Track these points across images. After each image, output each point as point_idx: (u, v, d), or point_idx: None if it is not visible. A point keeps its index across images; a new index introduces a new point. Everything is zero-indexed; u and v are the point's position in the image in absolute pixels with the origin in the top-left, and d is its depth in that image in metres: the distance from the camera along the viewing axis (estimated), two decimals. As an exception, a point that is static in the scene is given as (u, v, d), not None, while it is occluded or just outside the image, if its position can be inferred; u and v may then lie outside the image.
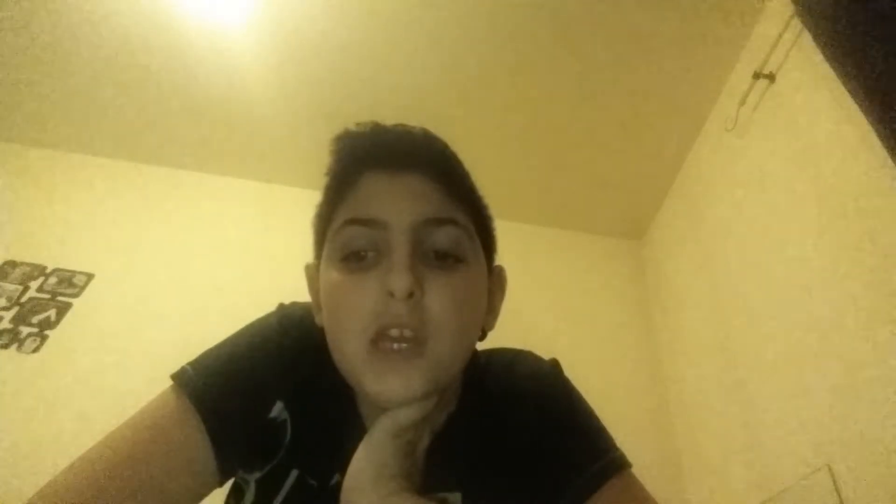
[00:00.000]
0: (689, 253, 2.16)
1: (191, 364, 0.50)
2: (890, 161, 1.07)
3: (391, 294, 0.42)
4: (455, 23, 1.84)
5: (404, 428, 0.43)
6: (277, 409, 0.50)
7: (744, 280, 1.75)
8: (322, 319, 0.49)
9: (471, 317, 0.47)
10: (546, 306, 2.29)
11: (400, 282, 0.42)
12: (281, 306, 0.56)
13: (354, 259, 0.46)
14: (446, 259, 0.46)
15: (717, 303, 1.90)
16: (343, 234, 0.46)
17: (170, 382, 0.49)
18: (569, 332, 2.21)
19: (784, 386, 1.48)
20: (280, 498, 0.48)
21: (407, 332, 0.43)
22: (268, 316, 0.55)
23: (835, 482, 1.23)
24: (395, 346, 0.43)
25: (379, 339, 0.43)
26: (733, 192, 1.87)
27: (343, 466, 0.45)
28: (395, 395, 0.42)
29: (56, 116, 2.23)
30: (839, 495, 1.21)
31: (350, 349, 0.44)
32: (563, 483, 0.50)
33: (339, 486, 0.46)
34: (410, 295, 0.42)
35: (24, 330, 1.87)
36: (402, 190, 0.47)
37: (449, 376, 0.46)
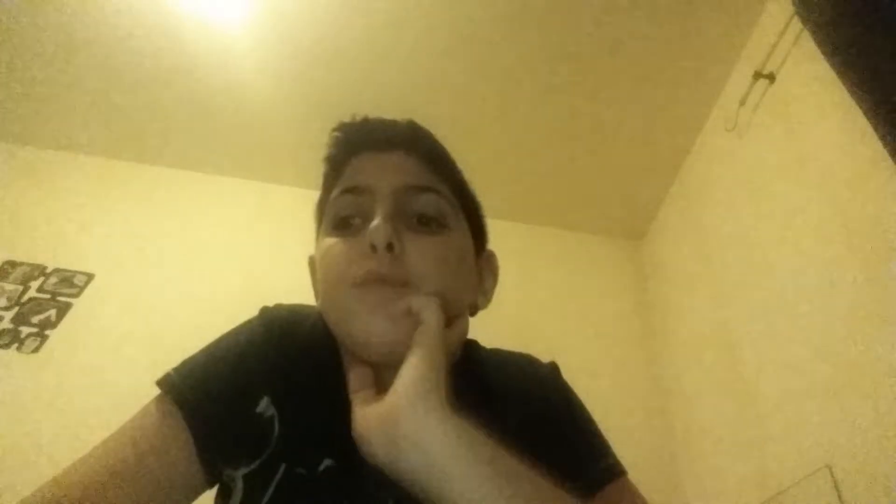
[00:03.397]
0: (689, 253, 2.16)
1: (174, 369, 0.50)
2: (890, 161, 1.07)
3: (373, 247, 0.45)
4: (453, 23, 1.84)
5: (440, 327, 0.43)
6: (264, 405, 0.49)
7: (744, 280, 1.75)
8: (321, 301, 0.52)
9: (455, 277, 0.49)
10: (546, 306, 2.29)
11: (377, 232, 0.45)
12: (264, 309, 0.56)
13: (343, 225, 0.50)
14: (429, 224, 0.50)
15: (717, 303, 1.90)
16: (334, 205, 0.51)
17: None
18: (568, 332, 2.21)
19: (784, 386, 1.48)
20: (269, 493, 0.47)
21: (390, 282, 0.45)
22: (251, 319, 0.55)
23: (835, 482, 1.23)
24: (381, 286, 0.45)
25: (364, 284, 0.45)
26: (733, 192, 1.87)
27: (333, 451, 0.47)
28: (382, 337, 0.44)
29: (56, 116, 2.23)
30: (839, 495, 1.21)
31: (340, 297, 0.47)
32: (560, 483, 0.50)
33: (328, 470, 0.47)
34: (390, 247, 0.45)
35: (24, 330, 1.87)
36: (387, 164, 0.51)
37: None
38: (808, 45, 1.39)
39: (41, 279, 1.99)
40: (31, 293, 1.96)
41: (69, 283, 2.00)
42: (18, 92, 2.14)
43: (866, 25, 1.05)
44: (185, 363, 0.51)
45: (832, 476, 1.24)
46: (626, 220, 2.52)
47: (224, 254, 2.19)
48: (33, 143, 2.32)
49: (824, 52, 1.19)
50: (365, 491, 0.48)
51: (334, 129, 0.54)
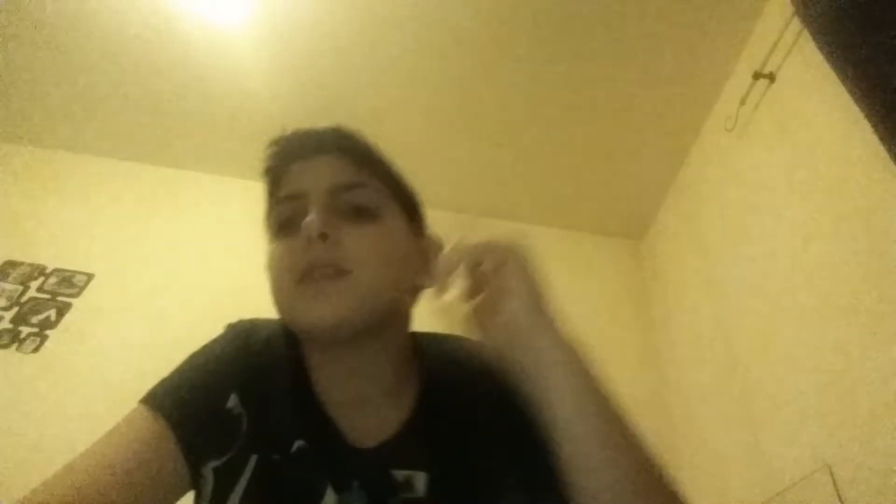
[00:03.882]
0: (688, 252, 2.16)
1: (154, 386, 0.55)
2: (890, 161, 1.07)
3: (308, 238, 0.49)
4: (453, 23, 1.84)
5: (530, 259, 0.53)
6: (233, 402, 0.53)
7: (743, 279, 1.75)
8: None
9: (391, 260, 0.53)
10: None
11: (311, 223, 0.49)
12: (229, 323, 0.60)
13: (284, 229, 0.53)
14: (363, 213, 0.53)
15: (717, 302, 1.90)
16: (274, 213, 0.55)
17: None
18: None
19: (784, 386, 1.48)
20: (242, 484, 0.50)
21: (328, 271, 0.49)
22: (218, 334, 0.60)
23: (835, 482, 1.23)
24: (319, 275, 0.49)
25: (305, 277, 0.49)
26: (733, 192, 1.87)
27: (302, 433, 0.51)
28: (323, 319, 0.48)
29: (56, 116, 2.22)
30: (839, 495, 1.21)
31: (283, 292, 0.51)
32: (538, 470, 0.50)
33: (301, 450, 0.50)
34: (324, 236, 0.49)
35: (24, 330, 1.87)
36: (317, 167, 0.55)
37: (377, 308, 0.51)
38: (808, 45, 1.39)
39: (41, 279, 1.99)
40: (31, 293, 1.95)
41: (69, 283, 2.00)
42: (19, 92, 2.14)
43: (867, 25, 1.05)
44: (161, 379, 0.55)
45: (832, 476, 1.24)
46: (626, 220, 2.51)
47: (224, 254, 2.19)
48: (33, 143, 2.31)
49: (824, 52, 1.19)
50: (338, 466, 0.50)
51: (268, 146, 0.58)
